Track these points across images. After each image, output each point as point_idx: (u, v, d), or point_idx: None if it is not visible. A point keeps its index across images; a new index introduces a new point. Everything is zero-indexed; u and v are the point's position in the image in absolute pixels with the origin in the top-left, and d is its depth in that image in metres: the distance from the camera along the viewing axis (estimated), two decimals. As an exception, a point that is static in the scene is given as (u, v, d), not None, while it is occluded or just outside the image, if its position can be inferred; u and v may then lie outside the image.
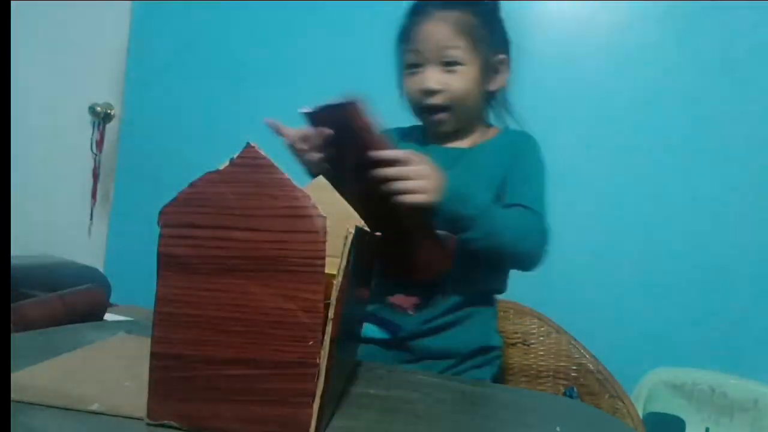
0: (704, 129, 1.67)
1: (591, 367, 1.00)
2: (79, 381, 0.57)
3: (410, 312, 0.91)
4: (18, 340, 0.71)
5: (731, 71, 1.65)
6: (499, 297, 1.07)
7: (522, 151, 0.97)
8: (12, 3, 1.40)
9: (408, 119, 1.03)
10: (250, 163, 0.48)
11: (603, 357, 1.46)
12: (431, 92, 0.93)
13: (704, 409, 1.54)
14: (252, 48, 1.97)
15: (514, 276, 1.01)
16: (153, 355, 0.50)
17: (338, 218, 0.50)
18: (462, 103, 0.94)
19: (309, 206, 0.47)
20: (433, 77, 0.92)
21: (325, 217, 0.47)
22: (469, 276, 0.91)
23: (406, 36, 0.96)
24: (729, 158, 1.65)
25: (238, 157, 0.49)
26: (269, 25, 1.96)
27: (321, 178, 0.69)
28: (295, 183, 0.48)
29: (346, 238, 0.49)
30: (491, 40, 0.95)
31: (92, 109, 2.03)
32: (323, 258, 0.48)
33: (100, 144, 2.06)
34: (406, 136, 1.06)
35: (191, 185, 0.49)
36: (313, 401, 0.49)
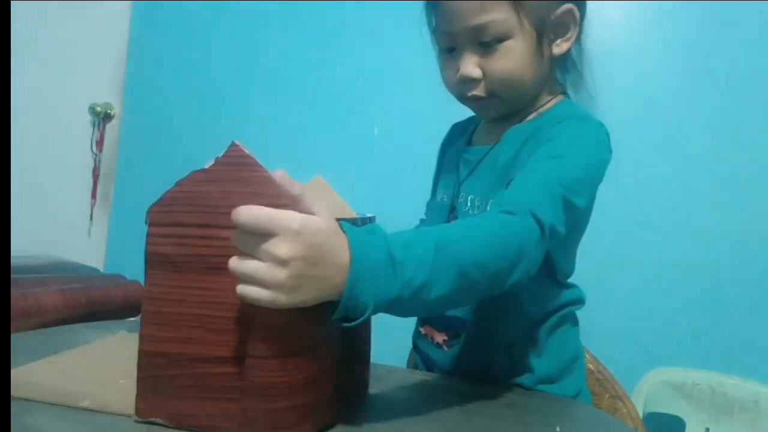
0: (708, 130, 1.67)
1: (591, 367, 0.99)
2: (76, 378, 0.57)
3: (444, 348, 0.80)
4: (18, 339, 0.72)
5: (731, 71, 1.65)
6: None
7: (554, 127, 0.73)
8: (12, 3, 1.40)
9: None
10: (235, 161, 0.48)
11: (603, 357, 1.46)
12: (469, 80, 0.74)
13: (704, 409, 1.53)
14: (253, 48, 1.97)
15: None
16: (141, 353, 0.50)
17: (336, 216, 0.49)
18: (509, 86, 0.74)
19: (293, 204, 0.46)
20: (468, 62, 0.73)
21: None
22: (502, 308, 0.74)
23: (430, 15, 0.77)
24: (732, 160, 1.65)
25: (224, 155, 0.48)
26: (270, 25, 1.96)
27: (319, 177, 0.68)
28: (279, 181, 0.47)
29: None
30: None
31: (92, 109, 2.03)
32: None
33: (100, 144, 2.06)
34: (459, 132, 0.92)
35: (177, 184, 0.49)
36: (303, 398, 0.48)
